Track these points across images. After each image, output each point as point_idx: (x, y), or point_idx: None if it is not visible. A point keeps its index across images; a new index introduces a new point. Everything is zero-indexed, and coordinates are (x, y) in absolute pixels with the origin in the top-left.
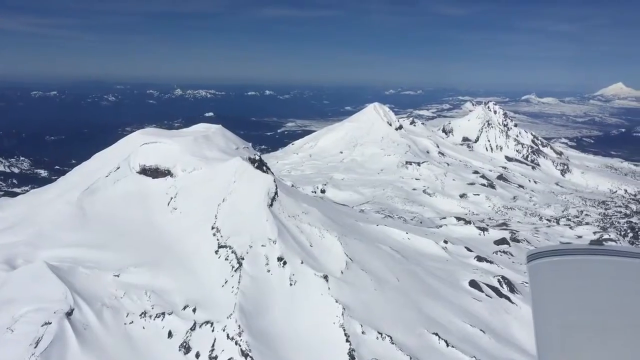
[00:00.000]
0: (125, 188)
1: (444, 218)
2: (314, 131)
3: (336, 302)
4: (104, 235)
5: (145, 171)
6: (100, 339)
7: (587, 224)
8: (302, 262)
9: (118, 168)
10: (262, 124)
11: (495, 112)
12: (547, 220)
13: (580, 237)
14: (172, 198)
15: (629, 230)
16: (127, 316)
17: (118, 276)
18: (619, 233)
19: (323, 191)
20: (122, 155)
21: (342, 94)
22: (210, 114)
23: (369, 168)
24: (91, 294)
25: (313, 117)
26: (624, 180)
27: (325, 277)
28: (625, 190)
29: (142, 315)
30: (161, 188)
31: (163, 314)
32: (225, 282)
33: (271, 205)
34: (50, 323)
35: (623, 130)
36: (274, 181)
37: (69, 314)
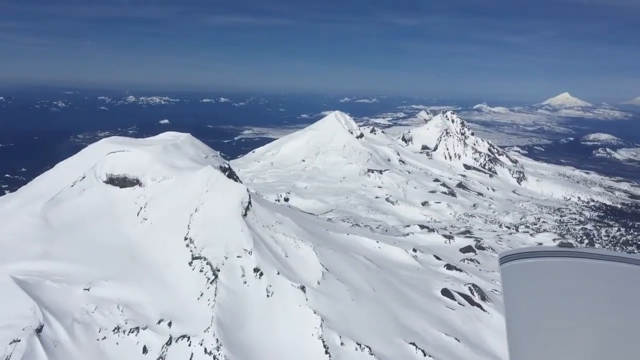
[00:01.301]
0: (92, 198)
1: (408, 226)
2: (271, 139)
3: (314, 313)
4: (72, 247)
5: (113, 180)
6: (72, 356)
7: (545, 230)
8: (278, 273)
9: (84, 177)
10: (219, 131)
11: (453, 121)
12: (507, 227)
13: (540, 244)
14: (141, 208)
15: (584, 237)
16: (99, 332)
17: (88, 290)
18: (575, 239)
19: (286, 199)
20: (88, 164)
21: (298, 102)
22: (166, 121)
23: (331, 176)
24: (61, 309)
25: (270, 125)
26: (576, 187)
27: (303, 288)
28: (579, 198)
29: (115, 331)
30: (130, 198)
31: (137, 328)
32: (201, 295)
33: (245, 215)
34: (19, 340)
35: (571, 138)
36: (247, 190)
37: (38, 330)
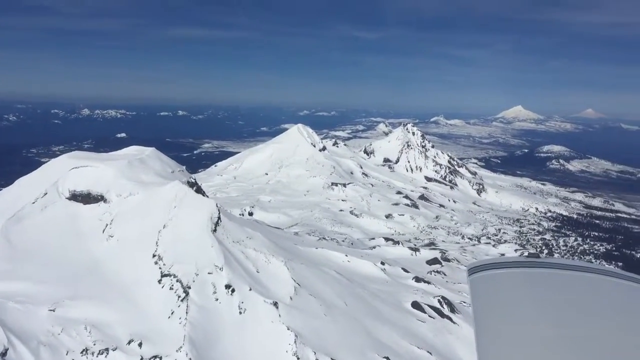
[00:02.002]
0: (54, 215)
1: (373, 239)
2: (231, 152)
3: (288, 329)
4: (35, 266)
5: (76, 197)
6: None
7: (505, 241)
8: (250, 289)
9: (45, 194)
10: (178, 144)
11: (413, 133)
12: (469, 238)
13: (503, 254)
14: (107, 225)
15: (544, 247)
16: (66, 354)
17: (54, 311)
18: (535, 249)
19: (251, 214)
20: (50, 180)
21: (257, 115)
22: (123, 134)
23: (295, 189)
24: (26, 332)
25: (229, 138)
26: (533, 198)
27: (275, 304)
28: (536, 209)
29: (84, 353)
30: (94, 214)
31: (106, 350)
32: (172, 313)
33: (215, 230)
34: None
35: (526, 150)
36: (217, 205)
37: (2, 354)
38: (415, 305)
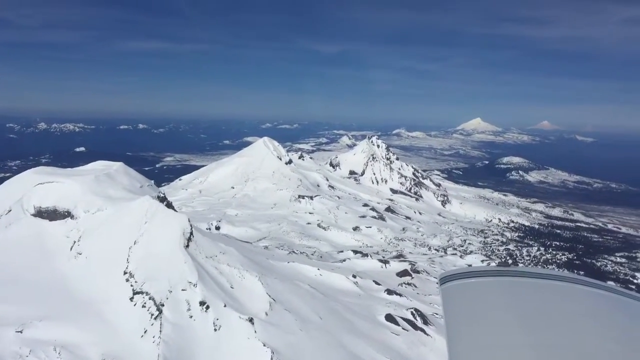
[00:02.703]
0: (19, 232)
1: (342, 251)
2: (194, 165)
3: (264, 345)
4: (0, 285)
5: (42, 213)
6: None
7: (471, 252)
8: (225, 306)
9: (9, 211)
10: (139, 158)
11: (378, 146)
12: (436, 250)
13: (470, 265)
14: (75, 242)
15: (508, 257)
16: None
17: (21, 332)
18: (500, 259)
19: (218, 228)
20: (14, 196)
21: (219, 128)
22: (82, 149)
23: (262, 203)
24: None
25: (192, 152)
26: (496, 209)
27: (251, 320)
28: (499, 219)
29: None
30: (61, 231)
31: None
32: (145, 332)
33: (187, 246)
34: None
35: (486, 162)
36: (189, 220)
37: None
38: (389, 318)
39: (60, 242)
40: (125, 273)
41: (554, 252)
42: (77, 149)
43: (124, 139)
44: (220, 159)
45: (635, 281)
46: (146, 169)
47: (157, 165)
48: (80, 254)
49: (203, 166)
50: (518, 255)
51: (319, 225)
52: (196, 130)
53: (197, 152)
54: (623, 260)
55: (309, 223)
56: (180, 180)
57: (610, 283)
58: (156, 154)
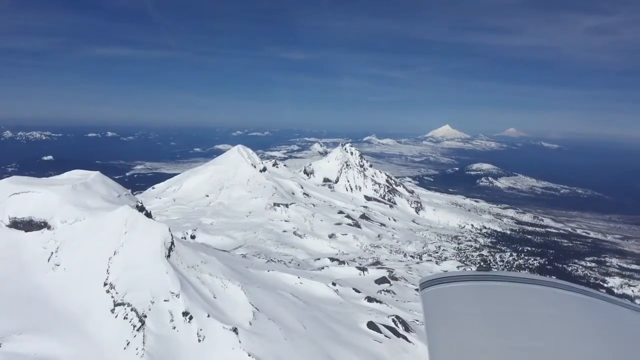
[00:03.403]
0: None
1: (318, 259)
2: (165, 174)
3: (249, 355)
4: None
5: (17, 224)
6: None
7: (445, 259)
8: (209, 316)
9: None
10: (109, 167)
11: (352, 153)
12: (411, 256)
13: (446, 271)
14: (52, 253)
15: (482, 263)
16: None
17: (0, 346)
18: (474, 265)
19: (193, 237)
20: None
21: (189, 136)
22: (50, 157)
23: (237, 211)
24: None
25: (162, 160)
26: (468, 215)
27: (235, 330)
28: (472, 225)
29: None
30: (38, 242)
31: None
32: (128, 344)
33: (169, 256)
34: None
35: (456, 169)
36: (169, 230)
37: None
38: (371, 325)
39: (37, 254)
40: (105, 284)
41: (526, 258)
42: (45, 158)
43: (92, 146)
44: (191, 167)
45: (605, 285)
46: (116, 177)
47: (127, 174)
48: (58, 265)
49: (174, 174)
50: (492, 260)
51: (294, 233)
52: (166, 138)
53: (167, 160)
54: (593, 264)
55: (284, 231)
56: (153, 188)
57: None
58: (126, 162)
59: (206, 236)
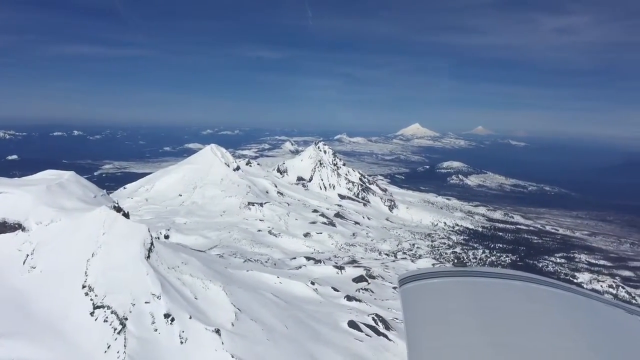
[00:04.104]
0: None
1: (294, 258)
2: (135, 173)
3: (232, 357)
4: None
5: None
6: None
7: (420, 256)
8: (190, 317)
9: None
10: (77, 166)
11: (325, 152)
12: (386, 254)
13: (421, 269)
14: (28, 255)
15: (456, 260)
16: None
17: None
18: (448, 262)
19: (167, 237)
20: None
21: (158, 135)
22: (14, 157)
23: (211, 210)
24: None
25: (131, 159)
26: (441, 213)
27: (218, 331)
28: (445, 223)
29: None
30: (12, 244)
31: None
32: (109, 347)
33: (148, 257)
34: None
35: (427, 167)
36: (149, 230)
37: None
38: (352, 324)
39: (12, 256)
40: (84, 287)
41: (498, 254)
42: (10, 157)
43: (58, 146)
44: (161, 166)
45: (575, 281)
46: (85, 177)
47: (95, 173)
48: (34, 267)
49: (144, 174)
50: (465, 258)
51: (269, 232)
52: (134, 136)
53: (137, 159)
54: (563, 260)
55: (259, 230)
56: (125, 188)
57: None
58: (94, 162)
59: (180, 236)
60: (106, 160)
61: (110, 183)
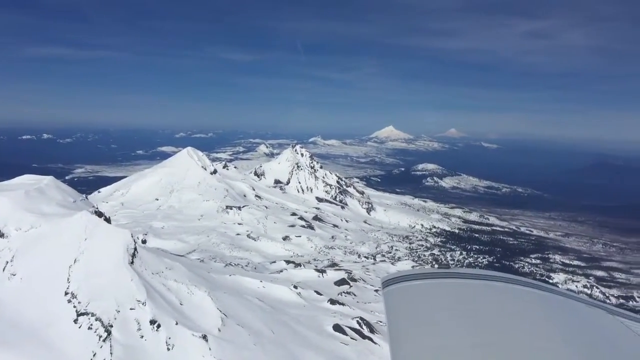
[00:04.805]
0: None
1: (274, 262)
2: (107, 177)
3: None
4: None
5: None
6: None
7: (399, 259)
8: (177, 323)
9: None
10: (47, 170)
11: (302, 154)
12: (365, 257)
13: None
14: (7, 262)
15: (434, 262)
16: None
17: None
18: (427, 265)
19: (144, 242)
20: None
21: (130, 138)
22: None
23: (188, 214)
24: None
25: (103, 162)
26: (418, 215)
27: (205, 337)
28: (422, 225)
29: None
30: None
31: None
32: (94, 355)
33: (132, 262)
34: None
35: (402, 169)
36: (132, 235)
37: None
38: (337, 328)
39: None
40: (66, 293)
41: (476, 256)
42: None
43: (27, 149)
44: (134, 170)
45: (550, 281)
46: None
47: (66, 177)
48: (14, 274)
49: (117, 177)
50: (443, 259)
51: (248, 236)
52: (106, 140)
53: (109, 163)
54: (538, 261)
55: (238, 234)
56: (99, 192)
57: None
58: (65, 165)
59: (158, 241)
60: (78, 164)
61: (83, 187)
